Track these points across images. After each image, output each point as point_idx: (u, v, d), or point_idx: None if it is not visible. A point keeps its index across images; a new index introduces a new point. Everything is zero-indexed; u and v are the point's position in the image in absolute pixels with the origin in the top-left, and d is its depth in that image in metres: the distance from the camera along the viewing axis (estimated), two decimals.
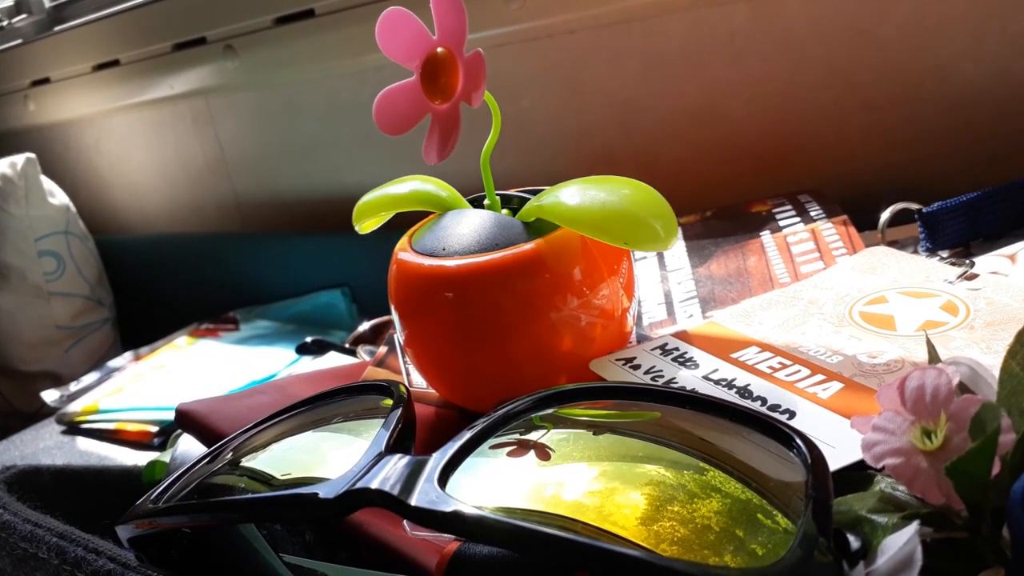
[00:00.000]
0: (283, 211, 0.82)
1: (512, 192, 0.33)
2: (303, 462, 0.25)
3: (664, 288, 0.39)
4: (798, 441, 0.19)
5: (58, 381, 0.78)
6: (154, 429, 0.56)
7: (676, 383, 0.28)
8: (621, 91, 0.56)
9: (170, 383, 0.65)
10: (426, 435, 0.32)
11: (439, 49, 0.28)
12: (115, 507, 0.26)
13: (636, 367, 0.29)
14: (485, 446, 0.21)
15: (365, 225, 0.33)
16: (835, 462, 0.21)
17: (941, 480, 0.18)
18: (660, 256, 0.43)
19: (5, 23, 0.94)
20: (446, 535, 0.20)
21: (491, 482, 0.20)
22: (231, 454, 0.26)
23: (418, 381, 0.36)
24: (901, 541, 0.17)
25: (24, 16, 0.93)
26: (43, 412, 0.68)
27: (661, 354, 0.30)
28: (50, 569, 0.26)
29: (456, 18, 0.28)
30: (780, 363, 0.28)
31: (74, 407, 0.63)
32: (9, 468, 0.32)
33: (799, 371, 0.27)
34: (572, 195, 0.28)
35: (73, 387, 0.70)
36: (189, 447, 0.36)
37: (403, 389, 0.24)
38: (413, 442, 0.23)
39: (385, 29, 0.27)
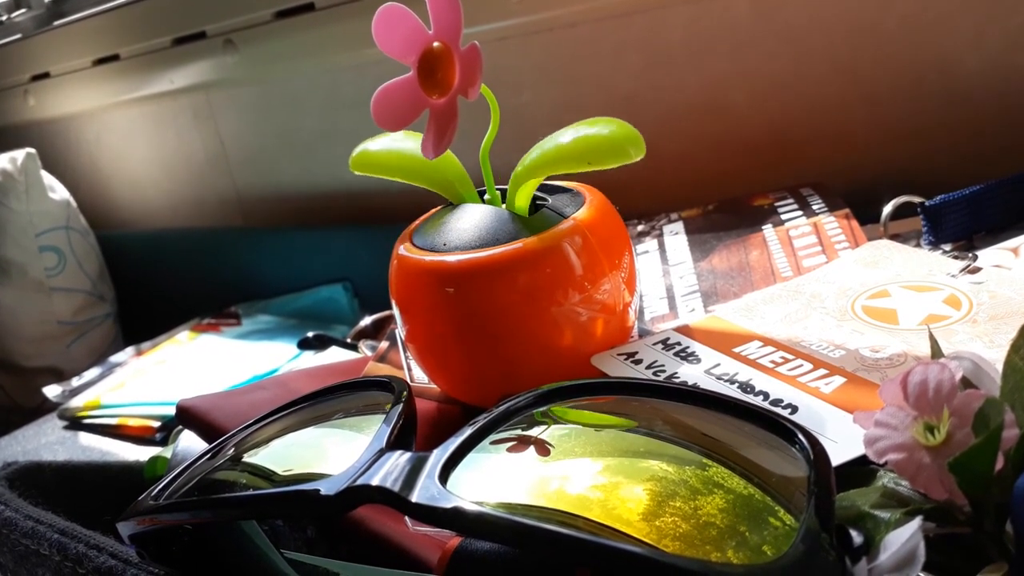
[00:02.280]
0: (284, 205, 0.82)
1: None
2: (304, 458, 0.25)
3: (666, 282, 0.39)
4: (800, 436, 0.19)
5: (60, 376, 0.78)
6: (156, 424, 0.56)
7: (678, 378, 0.28)
8: (622, 85, 0.56)
9: (172, 378, 0.65)
10: (428, 430, 0.32)
11: (435, 44, 0.28)
12: (117, 503, 0.26)
13: (638, 362, 0.29)
14: (486, 442, 0.21)
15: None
16: (837, 457, 0.21)
17: (944, 475, 0.18)
18: (662, 250, 0.43)
19: (4, 18, 0.94)
20: (447, 531, 0.20)
21: (492, 478, 0.20)
22: (232, 450, 0.26)
23: (419, 376, 0.36)
24: (904, 537, 0.17)
25: (23, 11, 0.93)
26: (45, 407, 0.68)
27: (663, 349, 0.30)
28: (52, 565, 0.26)
29: (451, 12, 0.28)
30: (782, 357, 0.28)
31: (76, 402, 0.63)
32: (11, 464, 0.32)
33: (801, 365, 0.27)
34: (534, 150, 0.30)
35: (75, 382, 0.70)
36: (191, 443, 0.36)
37: (404, 386, 0.24)
38: (414, 438, 0.23)
39: (381, 25, 0.27)
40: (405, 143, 0.32)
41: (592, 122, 0.29)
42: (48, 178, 0.87)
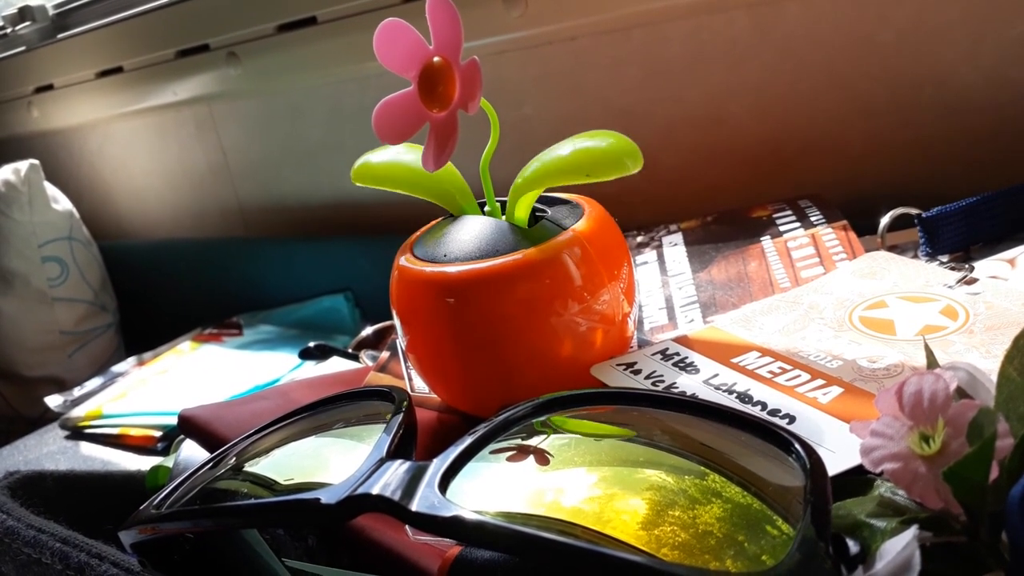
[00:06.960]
0: (286, 216, 0.82)
1: None
2: (305, 467, 0.25)
3: (665, 293, 0.40)
4: (797, 446, 0.19)
5: (62, 386, 0.78)
6: (158, 434, 0.56)
7: (677, 388, 0.28)
8: (622, 97, 0.56)
9: (174, 388, 0.65)
10: (428, 440, 0.32)
11: (436, 59, 0.28)
12: (118, 512, 0.26)
13: (637, 372, 0.29)
14: (486, 451, 0.21)
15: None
16: (834, 467, 0.21)
17: (939, 485, 0.18)
18: (661, 261, 0.43)
19: (9, 30, 0.95)
20: (447, 539, 0.20)
21: (492, 487, 0.20)
22: (234, 459, 0.27)
23: (420, 386, 0.36)
24: (900, 545, 0.17)
25: (28, 23, 0.93)
26: (47, 417, 0.68)
27: (662, 359, 0.30)
28: (54, 574, 0.26)
29: (452, 28, 0.28)
30: (780, 368, 0.28)
31: (78, 412, 0.63)
32: (13, 473, 0.32)
33: (799, 376, 0.27)
34: (533, 162, 0.30)
35: (77, 392, 0.70)
36: (192, 452, 0.36)
37: (404, 395, 0.25)
38: (414, 447, 0.23)
39: (383, 40, 0.27)
40: (406, 156, 0.32)
41: (591, 135, 0.29)
42: (51, 189, 0.88)
